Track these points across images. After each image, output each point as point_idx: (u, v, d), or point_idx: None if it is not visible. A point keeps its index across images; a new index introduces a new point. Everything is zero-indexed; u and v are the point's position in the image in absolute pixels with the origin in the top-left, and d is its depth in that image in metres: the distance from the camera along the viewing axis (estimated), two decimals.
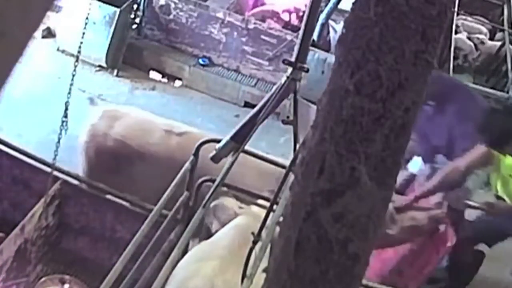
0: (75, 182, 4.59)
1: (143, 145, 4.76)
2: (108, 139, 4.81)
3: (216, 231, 3.68)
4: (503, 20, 9.45)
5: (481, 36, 9.03)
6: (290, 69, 3.10)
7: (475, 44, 8.92)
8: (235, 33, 7.75)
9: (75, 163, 5.69)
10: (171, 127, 4.89)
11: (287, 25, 8.18)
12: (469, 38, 8.92)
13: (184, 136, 4.80)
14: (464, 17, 9.29)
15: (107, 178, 4.71)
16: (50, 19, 7.53)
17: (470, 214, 5.17)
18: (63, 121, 3.91)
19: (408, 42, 1.22)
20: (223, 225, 3.65)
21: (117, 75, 7.62)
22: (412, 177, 5.27)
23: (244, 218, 3.60)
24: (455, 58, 8.33)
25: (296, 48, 3.08)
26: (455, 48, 8.29)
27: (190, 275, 3.14)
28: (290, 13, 8.35)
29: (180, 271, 3.12)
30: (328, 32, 7.52)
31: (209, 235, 3.72)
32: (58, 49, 7.64)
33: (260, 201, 3.91)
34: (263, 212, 3.65)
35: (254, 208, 3.80)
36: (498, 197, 5.05)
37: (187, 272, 3.15)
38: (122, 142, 4.77)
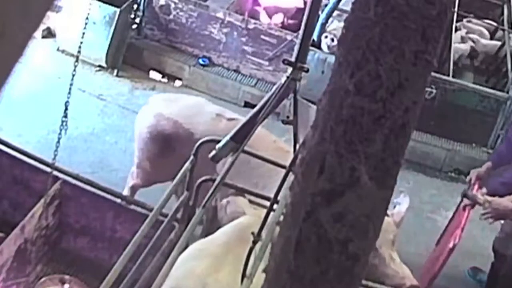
0: (75, 182, 4.59)
1: (194, 124, 4.91)
2: (161, 119, 4.98)
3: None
4: (503, 20, 9.45)
5: (474, 36, 9.01)
6: (290, 69, 3.10)
7: (471, 43, 8.90)
8: (235, 33, 7.75)
9: (75, 163, 5.70)
10: (223, 112, 5.04)
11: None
12: (463, 40, 8.90)
13: (234, 122, 4.88)
14: (466, 20, 9.28)
15: (160, 159, 4.99)
16: (50, 19, 7.53)
17: None
18: (63, 121, 3.92)
19: (408, 42, 1.22)
20: (228, 218, 3.66)
21: (117, 75, 7.62)
22: None
23: (247, 218, 3.59)
24: (457, 63, 8.36)
25: (296, 48, 3.09)
26: (455, 54, 8.29)
27: (184, 274, 3.13)
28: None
29: (176, 269, 3.12)
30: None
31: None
32: (58, 49, 7.64)
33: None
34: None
35: (260, 209, 3.79)
36: None
37: (182, 272, 3.15)
38: (175, 122, 4.91)
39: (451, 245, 4.74)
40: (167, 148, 4.99)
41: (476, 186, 5.13)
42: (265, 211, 3.75)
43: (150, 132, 5.03)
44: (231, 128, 4.75)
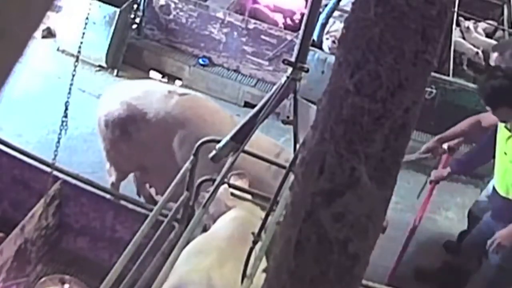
0: (75, 182, 4.59)
1: (147, 104, 4.94)
2: (115, 104, 5.04)
3: (206, 224, 3.68)
4: (503, 20, 9.45)
5: (466, 24, 9.02)
6: (290, 69, 3.10)
7: (463, 36, 8.91)
8: (235, 33, 7.75)
9: (75, 163, 5.70)
10: (175, 89, 5.13)
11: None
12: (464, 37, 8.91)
13: (185, 96, 4.99)
14: (467, 21, 9.28)
15: (120, 146, 5.04)
16: (50, 19, 7.53)
17: None
18: (63, 121, 3.92)
19: (408, 42, 1.22)
20: (213, 217, 3.63)
21: (117, 75, 7.62)
22: None
23: (240, 211, 3.58)
24: (460, 63, 8.36)
25: (296, 48, 3.09)
26: (456, 52, 8.28)
27: (189, 269, 3.14)
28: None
29: (180, 265, 3.12)
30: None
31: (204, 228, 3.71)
32: (58, 49, 7.64)
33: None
34: (255, 206, 3.66)
35: (246, 202, 3.77)
36: None
37: (187, 266, 3.15)
38: (128, 104, 4.96)
39: (411, 226, 5.32)
40: (124, 133, 5.02)
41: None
42: (248, 203, 3.75)
43: (106, 120, 5.06)
44: (183, 103, 4.90)
